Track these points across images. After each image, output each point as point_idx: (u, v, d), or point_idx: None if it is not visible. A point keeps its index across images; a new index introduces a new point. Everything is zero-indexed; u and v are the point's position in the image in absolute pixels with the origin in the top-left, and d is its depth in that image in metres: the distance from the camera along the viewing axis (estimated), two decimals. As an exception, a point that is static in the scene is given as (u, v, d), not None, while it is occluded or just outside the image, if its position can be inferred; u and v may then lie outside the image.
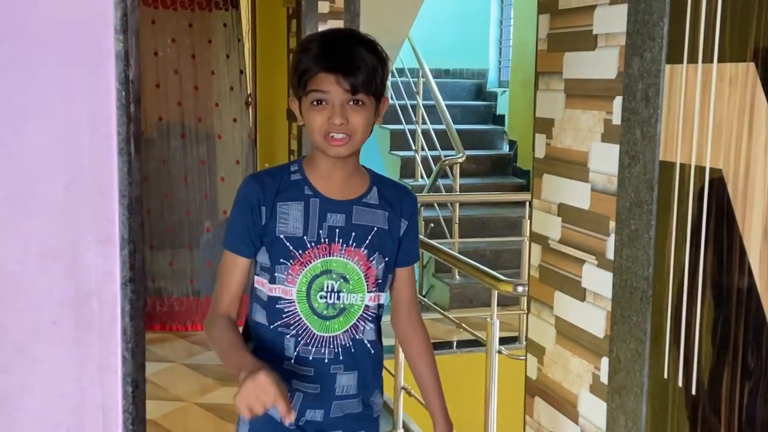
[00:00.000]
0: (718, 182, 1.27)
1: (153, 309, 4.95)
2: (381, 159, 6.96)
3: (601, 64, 1.63)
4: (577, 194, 1.73)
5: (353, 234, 1.54)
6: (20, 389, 1.15)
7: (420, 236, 4.44)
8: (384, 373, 3.86)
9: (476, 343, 4.43)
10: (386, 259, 1.57)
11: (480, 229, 6.08)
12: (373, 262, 1.55)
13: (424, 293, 5.83)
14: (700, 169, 1.31)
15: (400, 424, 3.52)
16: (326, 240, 1.52)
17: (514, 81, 6.70)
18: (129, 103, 1.17)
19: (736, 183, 1.23)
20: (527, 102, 6.43)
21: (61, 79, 1.14)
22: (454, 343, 5.03)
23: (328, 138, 1.48)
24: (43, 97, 1.13)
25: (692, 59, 1.32)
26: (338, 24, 4.29)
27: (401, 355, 3.53)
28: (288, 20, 4.49)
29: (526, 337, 1.97)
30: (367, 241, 1.55)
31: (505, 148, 6.98)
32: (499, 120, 7.26)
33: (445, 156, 5.95)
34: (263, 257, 1.54)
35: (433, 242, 3.85)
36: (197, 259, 5.00)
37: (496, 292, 2.79)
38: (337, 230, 1.53)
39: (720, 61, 1.26)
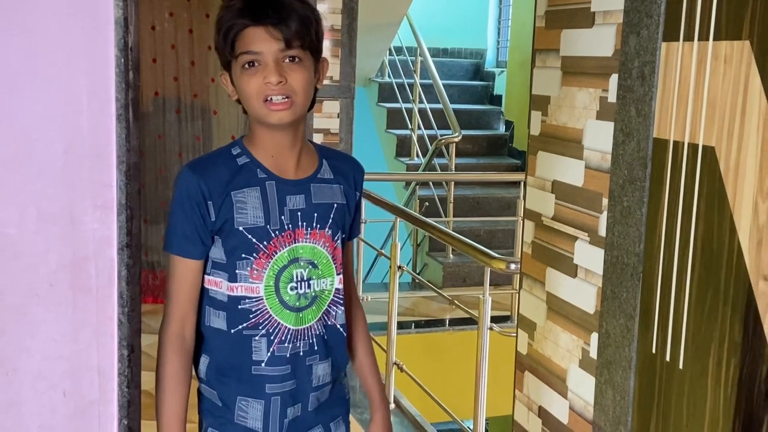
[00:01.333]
0: (710, 159, 1.28)
1: (146, 282, 4.97)
2: (377, 137, 6.96)
3: (598, 41, 1.63)
4: (571, 171, 1.74)
5: (315, 215, 1.44)
6: (18, 350, 1.16)
7: (415, 213, 4.45)
8: (375, 348, 3.88)
9: (469, 321, 4.47)
10: (344, 235, 1.50)
11: (474, 209, 6.10)
12: (338, 241, 1.47)
13: (417, 271, 5.86)
14: (693, 147, 1.32)
15: (392, 399, 3.56)
16: (290, 226, 1.41)
17: (512, 61, 6.70)
18: (128, 70, 1.17)
19: (728, 160, 1.25)
20: (525, 82, 6.42)
21: (60, 44, 1.14)
22: (447, 321, 5.07)
23: (267, 104, 1.34)
24: (42, 62, 1.14)
25: (688, 37, 1.33)
26: (337, 0, 4.28)
27: (394, 331, 3.56)
28: (286, -5, 4.47)
29: (518, 312, 1.99)
30: (330, 221, 1.46)
31: (502, 129, 6.99)
32: (496, 100, 7.26)
33: (441, 135, 5.96)
34: (217, 254, 1.40)
35: (428, 220, 3.86)
36: (192, 234, 5.01)
37: (489, 269, 2.81)
38: (299, 213, 1.42)
39: (716, 39, 1.27)
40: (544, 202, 1.86)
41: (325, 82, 4.49)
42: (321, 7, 4.26)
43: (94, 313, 1.19)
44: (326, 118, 4.37)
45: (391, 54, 6.77)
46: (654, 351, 1.42)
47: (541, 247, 1.87)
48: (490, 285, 2.90)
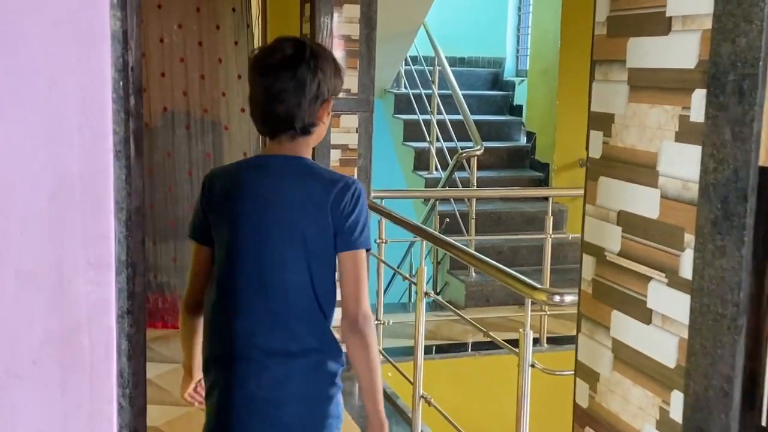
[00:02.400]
0: (841, 195, 1.05)
1: (156, 306, 4.75)
2: (394, 150, 6.74)
3: (677, 51, 1.40)
4: (643, 201, 1.50)
5: None
6: (-6, 444, 0.94)
7: (437, 234, 4.23)
8: (400, 379, 3.59)
9: (493, 345, 4.23)
10: None
11: (496, 224, 5.86)
12: None
13: (438, 291, 5.63)
14: (816, 179, 1.09)
15: (419, 435, 3.32)
16: None
17: (533, 70, 6.46)
18: (128, 95, 0.95)
19: None
20: (546, 92, 6.20)
21: (44, 64, 0.92)
22: (469, 345, 4.83)
23: None
24: (22, 86, 0.91)
25: (807, 45, 1.10)
26: (354, 9, 4.06)
27: (421, 363, 3.32)
28: (301, 4, 4.26)
29: (576, 359, 1.75)
30: None
31: (523, 140, 6.75)
32: (517, 111, 7.03)
33: (462, 148, 5.74)
34: None
35: (451, 239, 3.64)
36: (203, 255, 4.79)
37: (530, 300, 2.57)
38: None
39: None
40: (608, 235, 1.62)
41: (342, 95, 4.33)
42: (336, 17, 4.05)
43: (88, 395, 0.96)
44: (344, 133, 4.15)
45: (407, 63, 6.56)
46: (764, 424, 1.18)
47: (605, 287, 1.64)
48: (514, 305, 2.68)
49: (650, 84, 1.49)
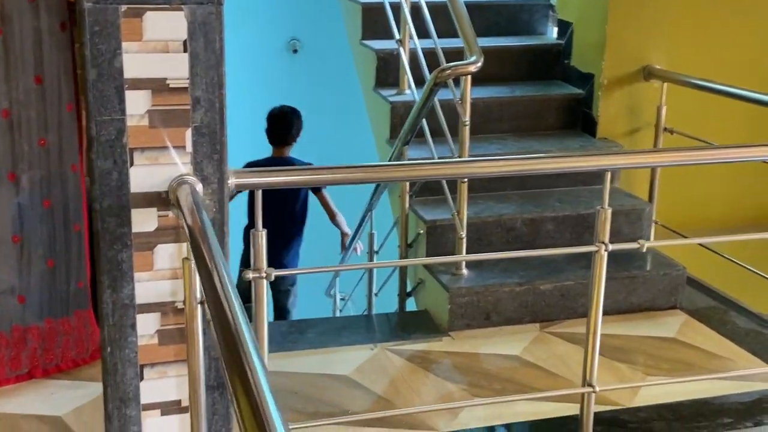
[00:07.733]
0: None
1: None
2: (350, 51, 4.40)
3: None
4: None
5: None
6: None
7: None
8: None
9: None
10: None
11: (504, 179, 3.59)
12: None
13: (408, 291, 3.49)
14: None
15: None
16: None
17: None
18: None
19: None
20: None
21: None
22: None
23: None
24: None
25: None
26: None
27: None
28: None
29: None
30: None
31: (552, 34, 4.35)
32: (539, -14, 4.58)
33: (446, 51, 3.38)
34: None
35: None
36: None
37: None
38: None
39: None
40: None
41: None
42: None
43: None
44: (154, 54, 1.86)
45: None
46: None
47: None
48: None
49: None
